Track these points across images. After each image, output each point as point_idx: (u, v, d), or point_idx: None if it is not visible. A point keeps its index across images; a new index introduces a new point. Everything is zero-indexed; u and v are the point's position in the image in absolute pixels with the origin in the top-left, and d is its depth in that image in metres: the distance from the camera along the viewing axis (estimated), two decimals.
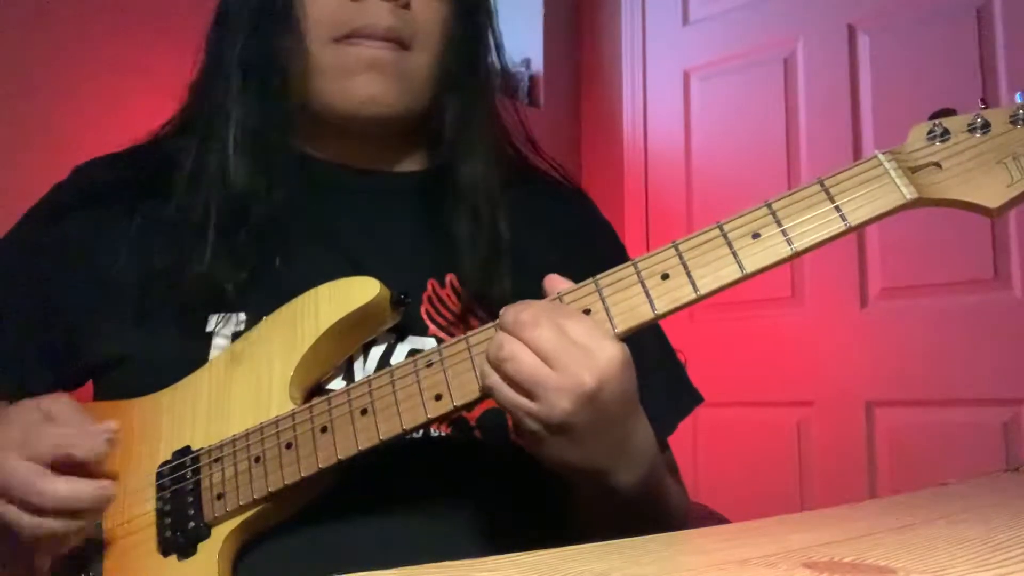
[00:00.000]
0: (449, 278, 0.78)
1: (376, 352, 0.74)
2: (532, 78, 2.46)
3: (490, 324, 0.64)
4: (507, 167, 0.82)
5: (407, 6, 0.75)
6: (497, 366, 0.59)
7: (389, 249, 0.79)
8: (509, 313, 0.60)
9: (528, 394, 0.59)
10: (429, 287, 0.78)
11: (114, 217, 0.78)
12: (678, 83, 2.38)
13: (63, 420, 0.66)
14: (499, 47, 0.84)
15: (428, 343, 0.75)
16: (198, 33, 0.82)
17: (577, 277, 0.63)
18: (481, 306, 0.77)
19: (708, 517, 1.43)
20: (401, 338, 0.75)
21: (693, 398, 0.87)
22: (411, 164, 0.82)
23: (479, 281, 0.77)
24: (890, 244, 1.96)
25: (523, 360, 0.58)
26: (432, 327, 0.76)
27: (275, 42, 0.75)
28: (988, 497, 0.62)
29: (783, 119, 2.15)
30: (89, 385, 0.81)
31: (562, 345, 0.58)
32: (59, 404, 0.68)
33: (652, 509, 0.69)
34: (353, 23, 0.74)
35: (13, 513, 0.64)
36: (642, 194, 2.40)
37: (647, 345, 0.85)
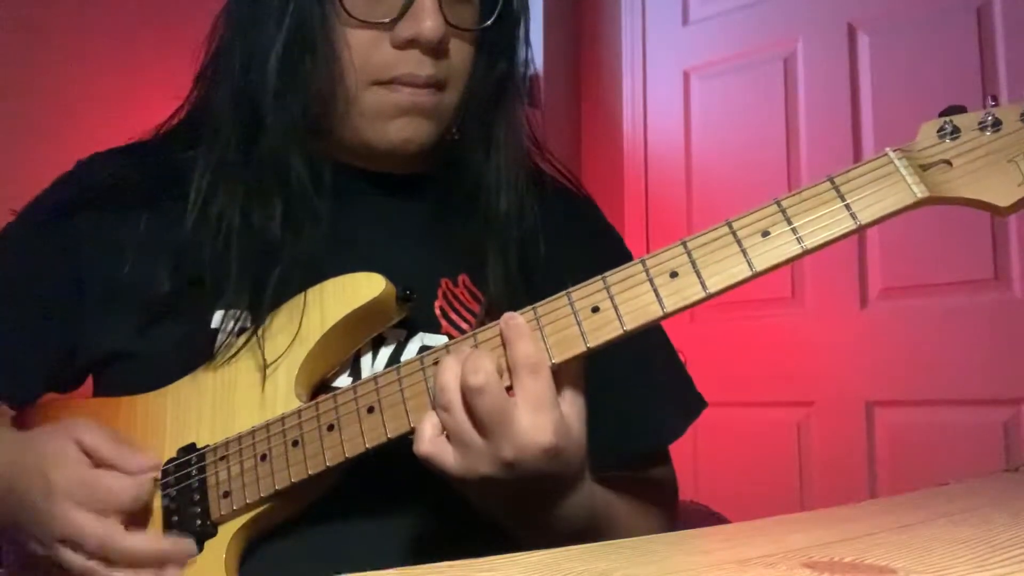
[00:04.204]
0: (462, 278, 0.79)
1: (386, 350, 0.74)
2: (532, 78, 2.46)
3: (497, 322, 0.64)
4: (524, 173, 0.82)
5: (447, 54, 0.75)
6: (436, 408, 0.61)
7: (401, 248, 0.79)
8: (465, 364, 0.60)
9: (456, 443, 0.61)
10: (443, 285, 0.78)
11: (122, 220, 0.77)
12: (678, 83, 2.38)
13: (107, 459, 0.68)
14: (527, 62, 0.84)
15: (440, 340, 0.75)
16: (201, 32, 0.81)
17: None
18: (493, 306, 0.77)
19: (708, 517, 1.43)
20: (412, 334, 0.75)
21: (698, 403, 0.87)
22: (422, 165, 0.82)
23: (490, 282, 0.77)
24: (890, 244, 1.96)
25: (457, 420, 0.60)
26: (445, 324, 0.77)
27: (315, 82, 0.73)
28: (988, 497, 0.62)
29: (783, 119, 2.15)
30: (88, 384, 0.81)
31: (496, 419, 0.59)
32: (92, 434, 0.69)
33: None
34: (396, 70, 0.74)
35: (96, 567, 0.65)
36: (642, 194, 2.39)
37: (653, 350, 0.86)
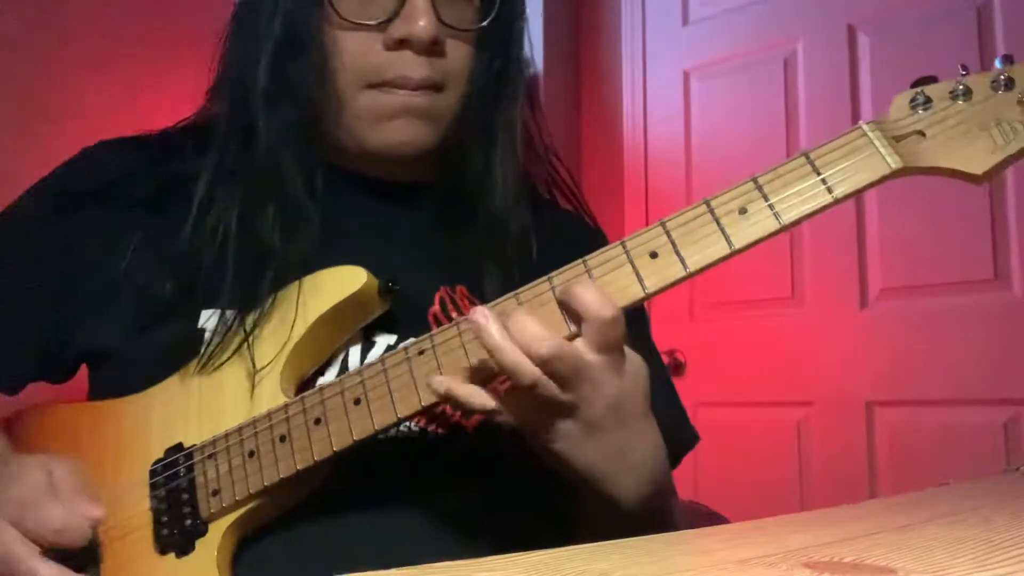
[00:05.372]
0: (460, 289, 0.78)
1: (377, 350, 0.74)
2: (533, 79, 2.46)
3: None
4: (520, 175, 0.81)
5: (442, 55, 0.74)
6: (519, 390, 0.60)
7: (399, 256, 0.78)
8: (523, 338, 0.59)
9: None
10: (441, 291, 0.77)
11: (124, 218, 0.77)
12: (678, 83, 2.38)
13: (63, 493, 0.67)
14: (528, 62, 0.84)
15: None
16: (207, 40, 0.80)
17: None
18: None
19: (708, 517, 1.43)
20: (403, 338, 0.75)
21: (692, 437, 0.88)
22: (421, 174, 0.82)
23: (486, 286, 0.77)
24: (890, 244, 1.96)
25: (550, 390, 0.59)
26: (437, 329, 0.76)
27: (307, 85, 0.73)
28: (988, 497, 0.62)
29: (783, 119, 2.15)
30: (82, 381, 0.81)
31: (577, 371, 0.59)
32: (63, 472, 0.69)
33: (654, 529, 0.69)
34: (389, 72, 0.73)
35: None
36: (642, 194, 2.39)
37: (651, 382, 0.86)
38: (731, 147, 2.22)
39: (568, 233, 0.87)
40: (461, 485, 0.73)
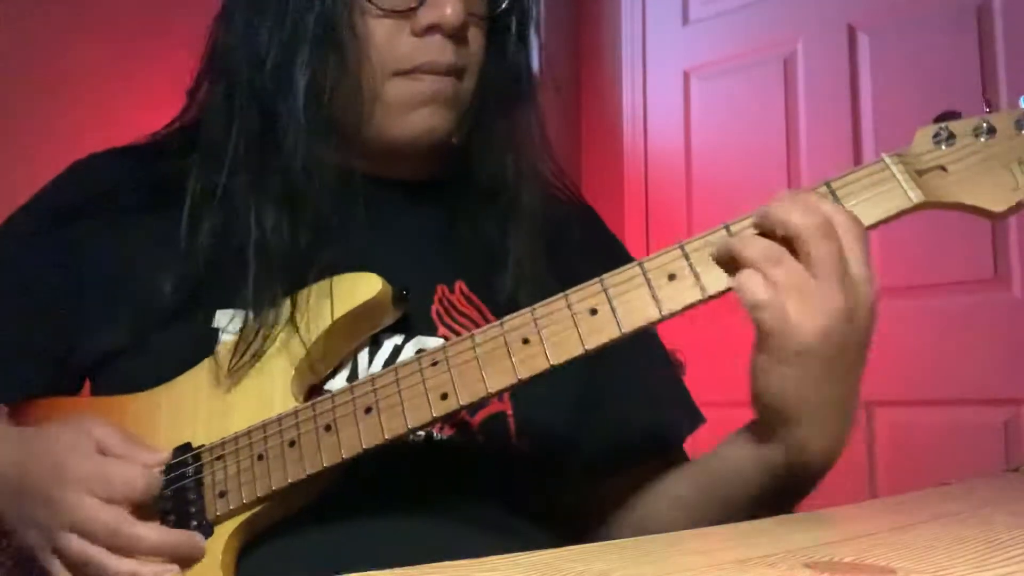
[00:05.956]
0: (458, 285, 0.78)
1: (384, 354, 0.74)
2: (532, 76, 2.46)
3: (495, 324, 0.64)
4: (536, 180, 0.81)
5: (466, 41, 0.75)
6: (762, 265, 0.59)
7: (399, 252, 0.78)
8: (797, 206, 0.58)
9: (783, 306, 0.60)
10: (439, 291, 0.77)
11: (124, 224, 0.77)
12: (678, 83, 2.38)
13: (119, 451, 0.68)
14: (532, 57, 0.84)
15: (437, 343, 0.74)
16: (198, 32, 0.80)
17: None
18: (491, 312, 0.77)
19: None
20: (409, 338, 0.75)
21: (696, 418, 0.89)
22: (422, 172, 0.82)
23: (490, 290, 0.77)
24: (890, 244, 1.96)
25: (790, 268, 0.59)
26: (442, 328, 0.76)
27: (338, 78, 0.73)
28: (988, 497, 0.62)
29: (783, 119, 2.15)
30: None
31: (834, 265, 0.58)
32: (105, 430, 0.68)
33: (800, 496, 0.68)
34: (417, 59, 0.74)
35: (100, 555, 0.64)
36: (642, 194, 2.39)
37: (654, 364, 0.86)
38: (731, 147, 2.22)
39: (573, 224, 0.87)
40: (464, 486, 0.73)
